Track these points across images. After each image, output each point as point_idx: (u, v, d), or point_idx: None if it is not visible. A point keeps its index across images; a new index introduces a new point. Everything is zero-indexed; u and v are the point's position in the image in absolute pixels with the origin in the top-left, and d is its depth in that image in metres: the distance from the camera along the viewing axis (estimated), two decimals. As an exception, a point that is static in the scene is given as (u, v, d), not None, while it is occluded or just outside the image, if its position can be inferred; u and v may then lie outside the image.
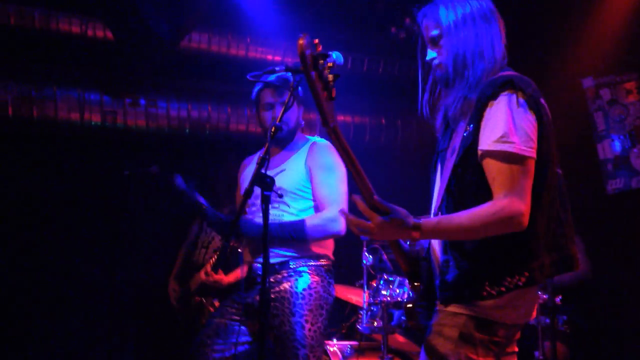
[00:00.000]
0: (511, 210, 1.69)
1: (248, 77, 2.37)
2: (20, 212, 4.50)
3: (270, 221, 2.68)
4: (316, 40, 1.60)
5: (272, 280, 2.85)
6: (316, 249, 2.88)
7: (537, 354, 3.54)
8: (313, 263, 2.86)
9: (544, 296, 3.39)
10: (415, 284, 1.96)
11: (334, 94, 1.62)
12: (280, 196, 2.62)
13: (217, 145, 4.85)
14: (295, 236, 2.77)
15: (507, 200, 1.70)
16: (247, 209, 2.94)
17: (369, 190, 1.71)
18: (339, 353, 3.73)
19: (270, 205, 2.78)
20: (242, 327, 2.85)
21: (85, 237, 4.67)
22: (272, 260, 2.81)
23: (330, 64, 1.61)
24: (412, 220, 1.72)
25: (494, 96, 1.77)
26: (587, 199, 4.36)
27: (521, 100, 1.76)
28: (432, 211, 1.95)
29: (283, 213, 2.85)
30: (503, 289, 1.76)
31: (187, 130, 4.71)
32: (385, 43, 5.11)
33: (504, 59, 1.92)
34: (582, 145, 4.68)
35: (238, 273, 3.93)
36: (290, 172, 2.90)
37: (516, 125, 1.73)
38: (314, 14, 4.85)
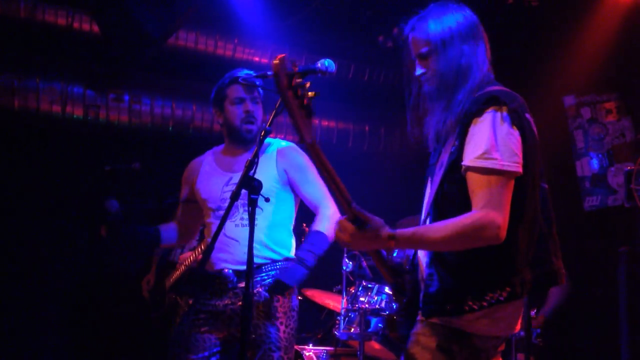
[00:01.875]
0: (487, 221, 1.71)
1: (239, 80, 2.37)
2: (-4, 204, 4.44)
3: (301, 253, 2.71)
4: (291, 60, 1.62)
5: (243, 286, 2.82)
6: (284, 251, 2.88)
7: (509, 366, 3.57)
8: (282, 266, 2.85)
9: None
10: (399, 295, 1.97)
11: (311, 111, 1.64)
12: (267, 200, 2.60)
13: (201, 145, 4.81)
14: (327, 247, 2.79)
15: (484, 212, 1.72)
16: (215, 213, 2.90)
17: (347, 200, 1.72)
18: (314, 358, 3.73)
19: (243, 209, 2.78)
20: (212, 337, 2.81)
21: (63, 231, 4.62)
22: (243, 266, 2.79)
23: (307, 84, 1.63)
24: (387, 230, 1.73)
25: (478, 113, 1.79)
26: (564, 215, 4.42)
27: (505, 115, 1.78)
28: (420, 223, 1.96)
29: (256, 217, 2.82)
30: (485, 303, 1.77)
31: (171, 128, 4.69)
32: (372, 51, 5.14)
33: (490, 74, 1.95)
34: (561, 162, 4.75)
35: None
36: (261, 177, 2.88)
37: (498, 141, 1.75)
38: (302, 18, 4.86)
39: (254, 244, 2.23)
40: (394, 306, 3.35)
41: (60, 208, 4.61)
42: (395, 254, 2.04)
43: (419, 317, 1.88)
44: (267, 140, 2.93)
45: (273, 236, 2.84)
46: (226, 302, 2.81)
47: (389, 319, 2.00)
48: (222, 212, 2.83)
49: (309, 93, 1.63)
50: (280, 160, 2.87)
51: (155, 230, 3.02)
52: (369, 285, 3.46)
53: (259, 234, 2.79)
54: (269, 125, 2.27)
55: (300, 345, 3.79)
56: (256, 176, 2.21)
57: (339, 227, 1.76)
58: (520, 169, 1.76)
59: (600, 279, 4.36)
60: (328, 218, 2.78)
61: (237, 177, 2.85)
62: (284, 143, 2.94)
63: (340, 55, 5.06)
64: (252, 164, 2.16)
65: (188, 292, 4.06)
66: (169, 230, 3.06)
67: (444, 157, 1.87)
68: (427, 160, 2.03)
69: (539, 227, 1.85)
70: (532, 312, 3.59)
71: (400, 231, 1.75)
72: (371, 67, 5.24)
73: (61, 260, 4.59)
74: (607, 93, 4.71)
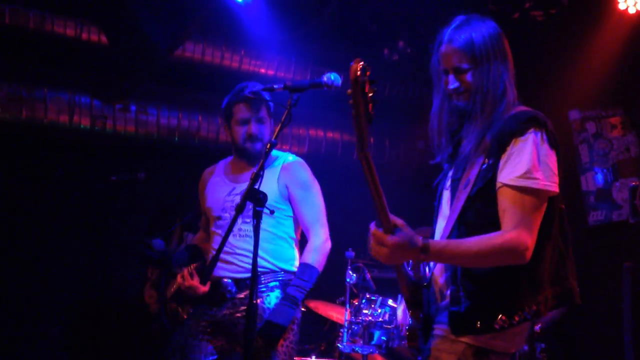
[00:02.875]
0: (519, 242, 1.73)
1: (246, 93, 2.38)
2: (3, 214, 4.45)
3: (291, 291, 2.73)
4: (366, 67, 1.63)
5: (242, 296, 2.82)
6: (282, 263, 2.89)
7: (513, 380, 3.56)
8: (282, 278, 2.86)
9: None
10: (416, 310, 1.97)
11: (372, 117, 1.67)
12: (272, 213, 2.61)
13: (206, 155, 4.84)
14: (316, 280, 2.81)
15: (516, 232, 1.73)
16: (217, 222, 2.92)
17: (386, 214, 1.71)
18: (317, 370, 3.72)
19: (242, 220, 2.80)
20: (209, 345, 2.82)
21: (69, 240, 4.63)
22: (242, 275, 2.80)
23: (374, 90, 1.65)
24: (420, 240, 1.73)
25: (520, 132, 1.81)
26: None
27: (545, 135, 1.82)
28: (434, 237, 1.97)
29: (251, 229, 2.83)
30: (514, 322, 1.78)
31: (177, 139, 4.71)
32: (377, 64, 5.16)
33: (517, 94, 1.96)
34: (566, 177, 4.73)
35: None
36: (262, 187, 2.90)
37: (541, 161, 1.78)
38: (308, 31, 4.89)
39: (250, 255, 2.24)
40: (397, 319, 3.34)
41: (66, 218, 4.63)
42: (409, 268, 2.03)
43: (438, 332, 1.88)
44: (275, 152, 2.96)
45: (271, 249, 2.86)
46: (225, 311, 2.83)
47: (411, 331, 1.99)
48: (223, 222, 2.87)
49: (371, 103, 1.64)
50: (283, 174, 2.88)
51: (194, 250, 3.06)
52: (373, 298, 3.45)
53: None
54: (275, 138, 2.29)
55: (302, 357, 3.77)
56: (266, 194, 2.22)
57: (375, 240, 1.72)
58: (556, 188, 1.81)
59: (604, 294, 4.34)
60: (317, 250, 2.81)
61: (240, 188, 2.87)
62: (290, 158, 2.96)
63: (345, 68, 5.06)
64: (258, 176, 2.17)
65: (189, 301, 4.07)
66: (201, 242, 3.12)
67: (472, 174, 1.87)
68: (439, 173, 2.04)
69: (560, 246, 1.87)
70: (537, 327, 3.58)
71: (433, 242, 1.75)
72: (376, 79, 5.25)
73: (64, 272, 4.59)
74: (612, 108, 4.72)
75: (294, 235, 2.96)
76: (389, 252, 1.71)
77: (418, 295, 1.96)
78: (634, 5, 4.31)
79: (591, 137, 4.77)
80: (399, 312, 3.36)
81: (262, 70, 4.87)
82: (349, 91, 1.63)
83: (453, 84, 1.96)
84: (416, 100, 5.32)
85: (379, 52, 5.09)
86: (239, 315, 2.80)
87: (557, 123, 5.36)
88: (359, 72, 1.61)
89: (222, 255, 2.84)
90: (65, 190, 4.62)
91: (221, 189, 2.97)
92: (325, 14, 4.71)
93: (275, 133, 2.27)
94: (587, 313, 4.37)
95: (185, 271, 3.92)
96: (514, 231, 1.74)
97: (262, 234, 2.79)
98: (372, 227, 1.75)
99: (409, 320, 1.99)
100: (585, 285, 4.43)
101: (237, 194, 2.89)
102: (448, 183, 1.99)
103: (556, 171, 1.82)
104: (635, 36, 4.41)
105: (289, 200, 2.89)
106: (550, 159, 1.81)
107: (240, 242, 2.82)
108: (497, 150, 1.83)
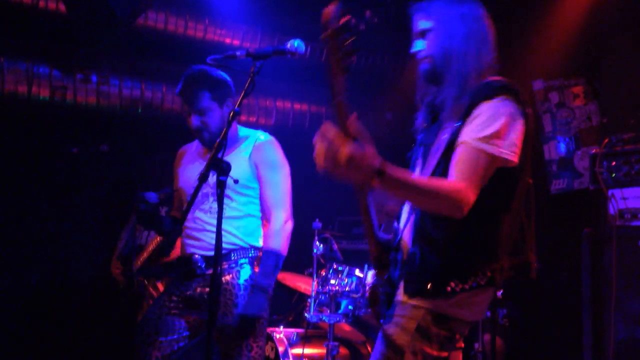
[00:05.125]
0: (463, 194, 1.72)
1: (208, 60, 2.34)
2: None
3: (259, 279, 2.73)
4: (343, 12, 1.55)
5: (211, 272, 2.83)
6: (252, 240, 2.90)
7: (476, 345, 3.65)
8: (252, 254, 2.88)
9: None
10: (382, 271, 1.98)
11: (347, 68, 1.60)
12: (236, 182, 2.60)
13: (171, 127, 4.78)
14: (282, 262, 2.82)
15: (465, 185, 1.74)
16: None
17: (346, 119, 1.63)
18: (285, 340, 3.76)
19: (212, 198, 2.78)
20: (182, 321, 2.83)
21: (29, 215, 4.54)
22: (212, 253, 2.79)
23: (352, 38, 1.56)
24: (379, 159, 1.62)
25: (488, 97, 1.80)
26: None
27: (514, 105, 1.80)
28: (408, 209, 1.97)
29: (225, 207, 2.83)
30: (467, 286, 1.80)
31: (140, 110, 4.62)
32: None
33: (493, 66, 1.94)
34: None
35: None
36: (233, 165, 2.88)
37: (504, 128, 1.76)
38: (273, 0, 4.82)
39: (223, 230, 2.23)
40: (364, 288, 3.38)
41: (26, 192, 4.53)
42: (381, 228, 2.04)
43: (399, 298, 1.89)
44: (247, 131, 2.96)
45: (241, 225, 2.87)
46: (195, 287, 2.84)
47: (372, 294, 2.00)
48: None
49: (349, 50, 1.58)
50: (254, 153, 2.88)
51: (176, 221, 3.04)
52: (340, 268, 3.48)
53: (227, 223, 2.80)
54: (238, 106, 2.26)
55: (271, 327, 3.80)
56: (229, 163, 2.20)
57: (330, 143, 1.55)
58: (516, 159, 1.79)
59: (565, 261, 4.46)
60: (278, 233, 2.81)
61: None
62: (262, 137, 2.94)
63: (313, 38, 5.01)
64: (221, 146, 2.14)
65: (156, 275, 4.06)
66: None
67: (443, 138, 1.87)
68: (408, 144, 2.03)
69: (521, 219, 1.89)
70: (499, 293, 3.66)
71: (391, 166, 1.64)
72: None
73: (24, 247, 4.51)
74: (574, 78, 4.79)
75: (262, 214, 2.96)
76: (343, 162, 1.54)
77: (385, 257, 1.98)
78: (597, -25, 4.34)
79: (554, 107, 4.85)
80: (369, 279, 3.40)
81: (228, 40, 4.78)
82: (322, 36, 1.57)
83: (414, 48, 1.96)
84: (383, 71, 5.31)
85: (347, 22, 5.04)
86: (208, 290, 2.80)
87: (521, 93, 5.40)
88: (330, 17, 1.55)
89: (192, 232, 2.87)
90: (25, 164, 4.51)
91: (193, 170, 2.95)
92: (291, -19, 4.64)
93: (238, 102, 2.24)
94: (549, 279, 4.49)
95: (150, 247, 3.91)
96: (463, 183, 1.74)
97: (232, 212, 2.82)
98: (328, 126, 1.57)
99: (374, 279, 2.01)
100: (547, 252, 4.57)
101: None
102: (421, 150, 1.99)
103: (519, 142, 1.80)
104: (598, 5, 4.45)
105: (257, 179, 2.89)
106: (515, 128, 1.79)
107: (211, 219, 2.82)
108: (465, 113, 1.82)
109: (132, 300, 4.10)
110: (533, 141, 1.89)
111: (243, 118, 2.94)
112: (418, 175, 1.83)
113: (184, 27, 4.61)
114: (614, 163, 3.44)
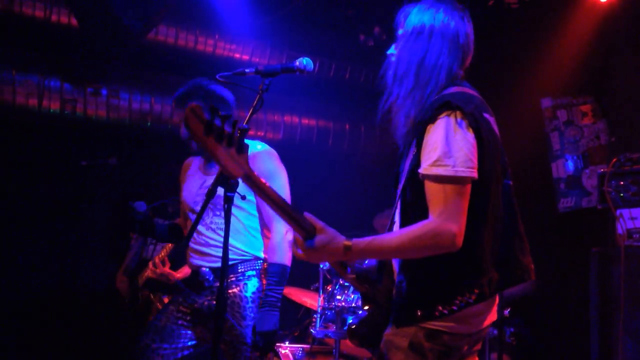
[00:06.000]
0: (442, 230, 1.69)
1: (217, 77, 2.36)
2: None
3: (269, 295, 2.72)
4: (199, 108, 1.52)
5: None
6: (256, 252, 2.90)
7: (483, 364, 3.62)
8: (259, 267, 2.88)
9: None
10: (366, 302, 1.99)
11: (243, 146, 1.63)
12: (243, 198, 2.61)
13: (179, 141, 4.80)
14: (287, 276, 2.82)
15: (439, 221, 1.70)
16: (190, 215, 2.93)
17: (298, 221, 1.72)
18: (290, 356, 3.74)
19: (213, 214, 2.80)
20: (188, 332, 2.84)
21: (38, 226, 4.56)
22: (219, 265, 2.80)
23: (236, 120, 1.59)
24: (342, 241, 1.72)
25: (432, 119, 1.77)
26: (539, 216, 4.48)
27: (459, 120, 1.75)
28: (386, 229, 1.96)
29: (223, 220, 2.84)
30: (455, 307, 1.78)
31: (149, 124, 4.65)
32: (353, 49, 5.15)
33: (451, 81, 1.89)
34: (537, 164, 4.81)
35: (186, 270, 3.92)
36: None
37: (451, 147, 1.73)
38: (284, 15, 4.86)
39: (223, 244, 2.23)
40: (363, 314, 3.36)
41: (35, 204, 4.56)
42: (366, 262, 2.04)
43: (392, 318, 1.88)
44: (246, 142, 2.95)
45: (245, 239, 2.88)
46: (203, 300, 2.85)
47: (350, 329, 2.00)
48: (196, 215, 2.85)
49: (239, 130, 1.60)
50: (250, 163, 2.87)
51: (176, 228, 3.09)
52: (346, 284, 3.47)
53: (230, 237, 2.80)
54: (246, 123, 2.27)
55: (276, 342, 3.79)
56: (237, 180, 2.21)
57: (294, 244, 1.77)
58: (474, 174, 1.75)
59: (573, 279, 4.43)
60: (280, 246, 2.80)
61: (210, 180, 2.89)
62: (259, 147, 2.95)
63: (321, 54, 5.06)
64: (228, 161, 2.14)
65: (161, 289, 4.06)
66: (183, 226, 3.10)
67: (407, 164, 1.87)
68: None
69: (504, 226, 1.86)
70: (506, 312, 3.64)
71: (356, 241, 1.73)
72: (352, 65, 5.25)
73: (32, 259, 4.53)
74: (583, 96, 4.78)
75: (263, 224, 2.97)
76: (310, 256, 1.73)
77: (369, 288, 1.98)
78: (606, -7, 4.36)
79: (562, 125, 4.84)
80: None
81: (237, 55, 4.82)
82: (189, 138, 1.60)
83: (390, 51, 1.97)
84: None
85: (356, 38, 5.07)
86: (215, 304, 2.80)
87: (530, 111, 5.44)
88: (190, 117, 1.50)
89: (198, 247, 2.88)
90: (34, 176, 4.54)
91: (194, 183, 2.99)
92: (300, -2, 4.68)
93: (247, 118, 2.26)
94: (556, 297, 4.46)
95: (157, 259, 3.92)
96: (438, 219, 1.71)
97: (236, 226, 2.83)
98: (292, 232, 1.76)
99: (356, 319, 2.01)
100: (554, 271, 4.52)
101: (207, 187, 2.90)
102: (397, 177, 1.98)
103: (472, 156, 1.74)
104: (606, 24, 4.46)
105: None
106: (464, 143, 1.73)
107: (214, 234, 2.84)
108: (418, 139, 1.81)
109: (137, 313, 4.10)
110: (496, 145, 1.84)
111: (251, 133, 2.96)
112: (391, 233, 1.81)
113: (194, 42, 4.65)
114: (622, 182, 3.42)
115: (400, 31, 1.95)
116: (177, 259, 3.99)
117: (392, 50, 1.97)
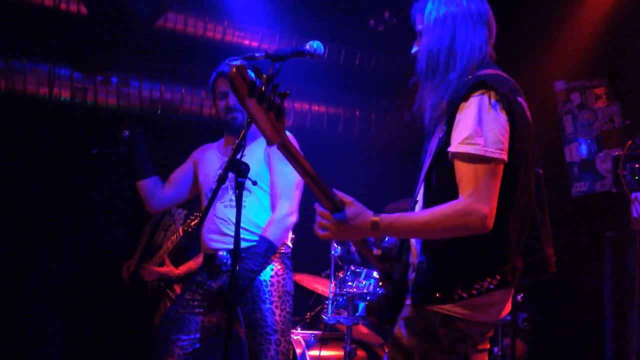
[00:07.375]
0: (472, 211, 1.67)
1: (227, 62, 2.35)
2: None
3: (247, 258, 2.72)
4: (244, 66, 1.52)
5: (238, 268, 2.84)
6: None
7: (495, 350, 3.61)
8: (276, 251, 2.87)
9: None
10: (386, 281, 1.97)
11: (282, 111, 1.59)
12: (254, 183, 2.61)
13: (190, 129, 4.80)
14: (271, 254, 2.82)
15: (469, 201, 1.68)
16: (206, 196, 2.95)
17: (327, 195, 1.70)
18: (302, 342, 3.75)
19: (232, 191, 2.81)
20: (205, 320, 2.86)
21: (50, 215, 4.59)
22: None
23: (277, 84, 1.56)
24: (370, 215, 1.71)
25: (465, 98, 1.75)
26: (551, 200, 4.44)
27: (493, 100, 1.73)
28: (409, 209, 1.95)
29: (244, 199, 2.85)
30: (474, 292, 1.76)
31: (159, 112, 4.65)
32: (363, 35, 5.11)
33: (485, 59, 1.89)
34: (550, 147, 4.77)
35: (190, 264, 3.93)
36: (250, 161, 2.91)
37: (483, 126, 1.70)
38: (293, 1, 4.82)
39: (243, 226, 2.24)
40: (380, 291, 3.36)
41: (46, 193, 4.58)
42: (386, 239, 2.03)
43: (408, 301, 1.88)
44: None
45: (262, 220, 2.86)
46: (220, 282, 2.85)
47: (369, 305, 2.01)
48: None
49: (280, 94, 1.57)
50: (268, 147, 2.89)
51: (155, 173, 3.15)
52: (358, 270, 3.46)
53: (247, 216, 2.81)
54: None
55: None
56: (246, 160, 2.21)
57: (319, 222, 1.74)
58: (503, 156, 1.72)
59: (586, 264, 4.39)
60: (277, 222, 2.82)
61: None
62: None
63: (331, 40, 5.02)
64: (239, 147, 2.15)
65: (174, 281, 4.07)
66: (158, 182, 3.15)
67: (434, 143, 1.85)
68: (422, 144, 2.00)
69: (532, 214, 1.83)
70: (519, 297, 3.62)
71: (383, 216, 1.71)
72: (362, 51, 5.21)
73: (46, 246, 4.56)
74: (596, 79, 4.72)
75: None
76: (336, 231, 1.71)
77: (388, 266, 1.97)
78: (619, -25, 4.29)
79: (576, 108, 4.78)
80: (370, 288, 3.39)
81: (246, 42, 4.79)
82: (236, 98, 1.56)
83: (413, 49, 1.95)
84: (402, 72, 5.28)
85: (365, 22, 5.03)
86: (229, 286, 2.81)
87: (543, 94, 5.37)
88: (235, 78, 1.48)
89: (218, 226, 2.88)
90: (45, 164, 4.56)
91: (213, 164, 3.02)
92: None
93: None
94: (570, 282, 4.43)
95: (161, 252, 3.96)
96: (469, 199, 1.68)
97: (251, 205, 2.83)
98: (317, 206, 1.75)
99: (376, 289, 2.00)
100: (568, 256, 4.50)
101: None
102: (423, 157, 1.97)
103: (503, 138, 1.71)
104: (620, 6, 4.39)
105: (269, 169, 2.92)
106: (496, 124, 1.71)
107: (231, 212, 2.84)
108: (449, 118, 1.78)
109: (147, 302, 4.12)
110: (529, 130, 1.81)
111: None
112: (419, 211, 1.79)
113: (203, 28, 4.63)
114: (637, 165, 3.38)
115: (419, 26, 1.93)
116: (180, 253, 4.01)
117: (415, 49, 1.95)
